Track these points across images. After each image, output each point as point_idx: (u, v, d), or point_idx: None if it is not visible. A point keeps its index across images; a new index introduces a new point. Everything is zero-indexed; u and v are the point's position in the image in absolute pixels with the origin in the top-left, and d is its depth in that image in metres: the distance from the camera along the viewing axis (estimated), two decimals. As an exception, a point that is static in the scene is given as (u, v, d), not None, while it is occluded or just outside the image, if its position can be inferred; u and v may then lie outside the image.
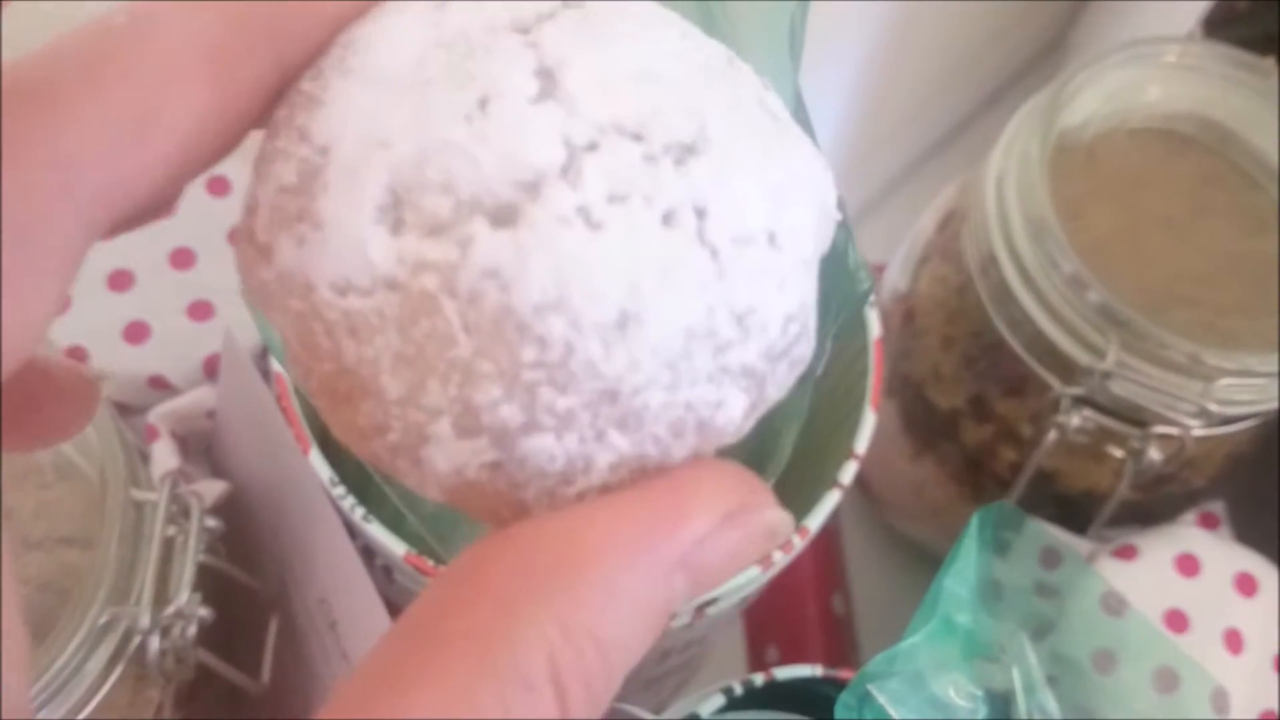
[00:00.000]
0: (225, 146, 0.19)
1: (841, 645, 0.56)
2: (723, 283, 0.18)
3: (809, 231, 0.19)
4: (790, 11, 0.35)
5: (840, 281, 0.41)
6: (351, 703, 0.17)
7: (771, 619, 0.56)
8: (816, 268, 0.20)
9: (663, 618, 0.18)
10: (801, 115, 0.38)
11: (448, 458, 0.18)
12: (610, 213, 0.18)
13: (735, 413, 0.19)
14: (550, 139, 0.18)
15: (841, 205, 0.22)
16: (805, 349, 0.20)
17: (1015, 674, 0.34)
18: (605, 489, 0.19)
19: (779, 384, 0.20)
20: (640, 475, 0.19)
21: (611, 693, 0.18)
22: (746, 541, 0.19)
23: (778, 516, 0.19)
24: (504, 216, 0.18)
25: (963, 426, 0.49)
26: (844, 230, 0.41)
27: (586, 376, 0.18)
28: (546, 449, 0.18)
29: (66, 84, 0.17)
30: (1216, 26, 0.54)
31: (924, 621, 0.32)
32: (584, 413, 0.18)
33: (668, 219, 0.18)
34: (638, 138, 0.18)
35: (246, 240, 0.19)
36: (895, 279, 0.53)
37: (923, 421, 0.51)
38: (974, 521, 0.33)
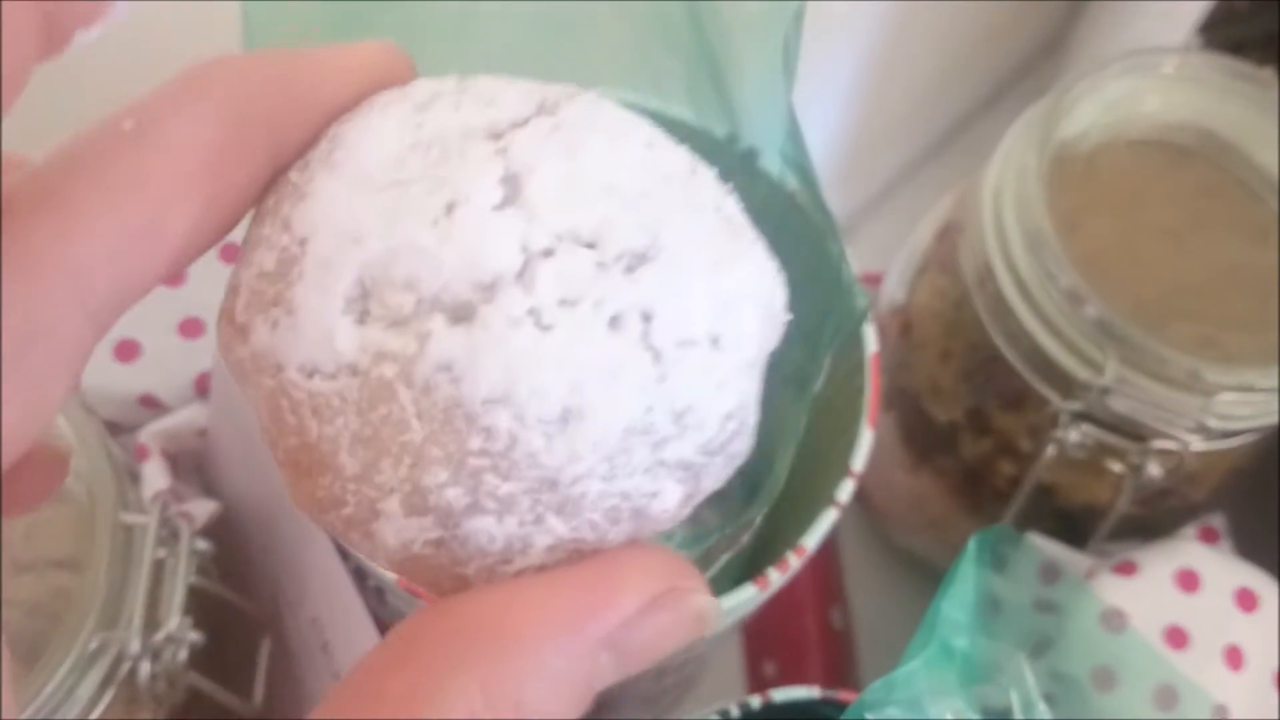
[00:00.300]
0: (224, 231, 0.20)
1: (840, 660, 0.56)
2: (663, 384, 0.20)
3: (753, 334, 0.21)
4: (784, 28, 0.34)
5: (835, 299, 0.41)
6: None
7: (769, 633, 0.56)
8: (762, 367, 0.21)
9: (587, 693, 0.19)
10: (794, 132, 0.38)
11: (396, 533, 0.20)
12: (560, 316, 0.19)
13: (670, 503, 0.20)
14: (508, 245, 0.19)
15: (789, 306, 0.23)
16: (742, 444, 0.21)
17: (1013, 696, 0.34)
18: (542, 569, 0.20)
19: (715, 476, 0.21)
20: (576, 557, 0.20)
21: None
22: (673, 625, 0.20)
23: (706, 603, 0.20)
24: (461, 315, 0.19)
25: (961, 440, 0.49)
26: (837, 246, 0.41)
27: (528, 466, 0.19)
28: (487, 530, 0.20)
29: (78, 194, 0.18)
30: (1216, 26, 0.53)
31: (921, 646, 0.31)
32: (524, 498, 0.19)
33: (614, 323, 0.19)
34: (591, 245, 0.19)
35: (227, 320, 0.21)
36: (893, 290, 0.52)
37: (921, 434, 0.51)
38: (971, 544, 0.33)
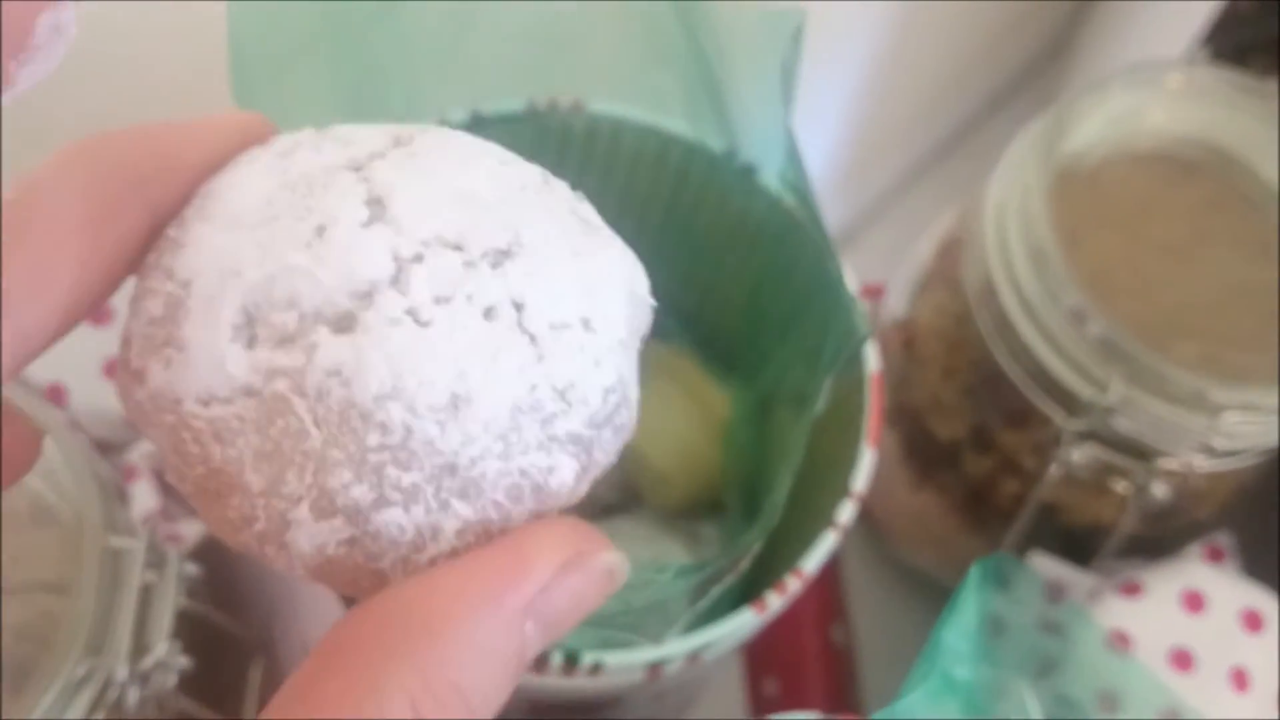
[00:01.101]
0: (110, 288, 0.22)
1: (842, 678, 0.55)
2: (543, 364, 0.21)
3: (621, 316, 0.22)
4: (781, 47, 0.34)
5: (835, 319, 0.40)
6: None
7: (770, 651, 0.55)
8: (635, 346, 0.23)
9: (519, 663, 0.20)
10: (793, 154, 0.37)
11: (309, 538, 0.21)
12: (436, 312, 0.20)
13: (567, 476, 0.22)
14: (380, 255, 0.21)
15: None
16: (626, 417, 0.22)
17: (1016, 725, 0.33)
18: (454, 553, 0.21)
19: (605, 449, 0.22)
20: (485, 539, 0.21)
21: None
22: (587, 584, 0.21)
23: (613, 559, 0.22)
24: (343, 324, 0.20)
25: (964, 457, 0.49)
26: (835, 265, 0.40)
27: (426, 454, 0.20)
28: (396, 521, 0.20)
29: None
30: (1221, 31, 0.53)
31: (923, 676, 0.31)
32: (428, 486, 0.20)
33: (489, 313, 0.21)
34: (458, 248, 0.21)
35: (123, 368, 0.22)
36: (895, 304, 0.52)
37: (923, 451, 0.50)
38: (973, 572, 0.32)
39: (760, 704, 0.55)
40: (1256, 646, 0.44)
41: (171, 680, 0.37)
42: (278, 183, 0.22)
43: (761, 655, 0.56)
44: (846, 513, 0.41)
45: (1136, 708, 0.40)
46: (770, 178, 0.42)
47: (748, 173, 0.43)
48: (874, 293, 0.55)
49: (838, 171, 0.66)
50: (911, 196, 0.72)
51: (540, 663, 0.37)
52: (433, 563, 0.21)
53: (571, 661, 0.37)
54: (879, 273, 0.55)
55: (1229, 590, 0.45)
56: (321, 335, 0.20)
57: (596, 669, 0.37)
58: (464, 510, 0.21)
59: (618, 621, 0.33)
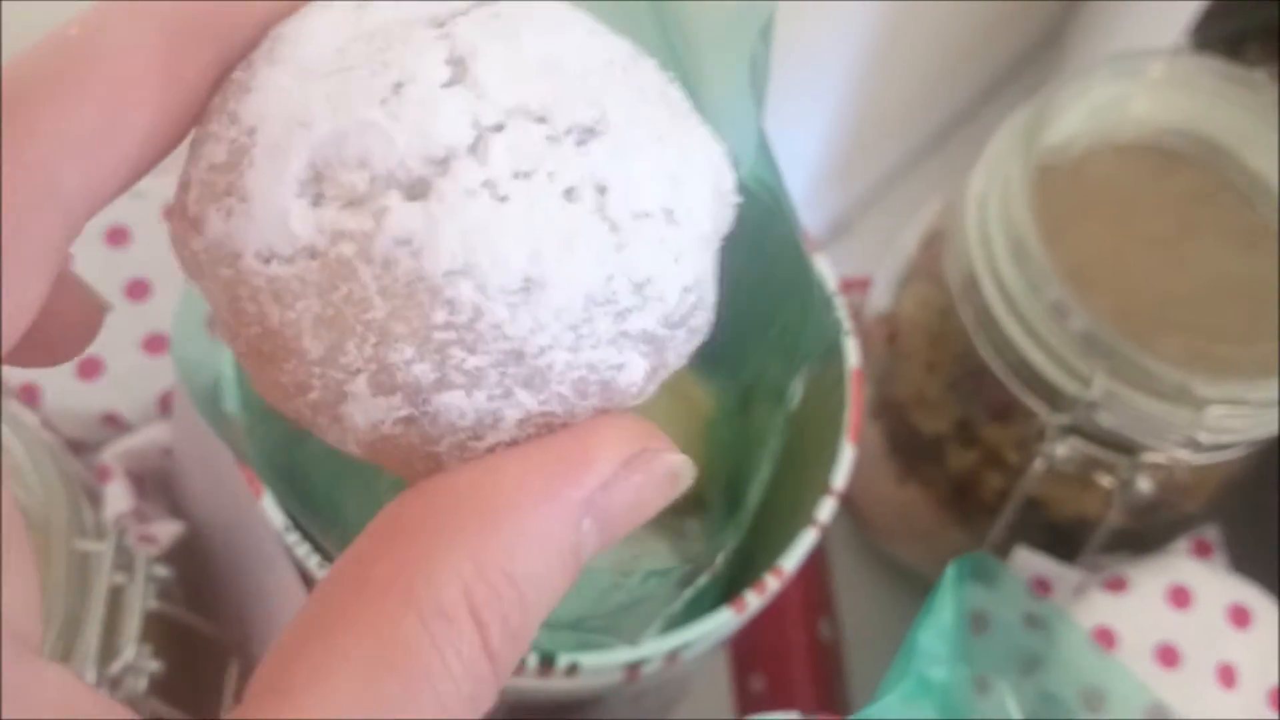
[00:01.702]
0: (179, 136, 0.21)
1: (829, 673, 0.55)
2: (621, 254, 0.20)
3: (705, 210, 0.21)
4: (750, 48, 0.33)
5: (812, 312, 0.40)
6: (288, 648, 0.18)
7: (756, 647, 0.55)
8: (715, 244, 0.22)
9: (574, 560, 0.19)
10: (764, 151, 0.36)
11: (365, 413, 0.20)
12: (515, 187, 0.19)
13: (637, 375, 0.20)
14: (459, 120, 0.19)
15: (740, 188, 0.23)
16: (703, 319, 0.21)
17: (995, 726, 0.33)
18: (514, 443, 0.20)
19: (678, 351, 0.21)
20: (547, 432, 0.20)
21: (530, 629, 0.19)
22: (649, 485, 0.20)
23: (678, 460, 0.21)
24: (416, 190, 0.19)
25: (948, 452, 0.48)
26: (806, 259, 0.40)
27: (493, 337, 0.19)
28: (457, 405, 0.19)
29: (38, 95, 0.19)
30: (1215, 19, 0.52)
31: (898, 679, 0.30)
32: (492, 371, 0.19)
33: (569, 194, 0.19)
34: (542, 120, 0.20)
35: (179, 215, 0.21)
36: (879, 298, 0.51)
37: (907, 445, 0.50)
38: (949, 572, 0.32)
39: (747, 700, 0.54)
40: (1244, 642, 0.44)
41: (142, 684, 0.36)
42: (352, 32, 0.20)
43: (748, 651, 0.55)
44: (827, 510, 0.40)
45: (1120, 706, 0.40)
46: (746, 172, 0.41)
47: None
48: (858, 287, 0.55)
49: (831, 163, 0.66)
50: (904, 188, 0.71)
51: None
52: (491, 451, 0.20)
53: (548, 662, 0.37)
54: (872, 265, 0.55)
55: (1216, 585, 0.44)
56: (393, 200, 0.19)
57: (573, 670, 0.37)
58: (527, 400, 0.20)
59: (587, 625, 0.32)
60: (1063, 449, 0.43)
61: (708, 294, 0.22)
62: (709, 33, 0.35)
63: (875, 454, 0.51)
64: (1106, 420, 0.41)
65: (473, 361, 0.19)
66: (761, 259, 0.42)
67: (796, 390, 0.36)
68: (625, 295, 0.20)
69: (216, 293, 0.21)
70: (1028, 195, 0.42)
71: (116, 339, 0.43)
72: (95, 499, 0.40)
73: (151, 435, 0.42)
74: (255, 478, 0.36)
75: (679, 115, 0.22)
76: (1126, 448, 0.42)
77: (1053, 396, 0.43)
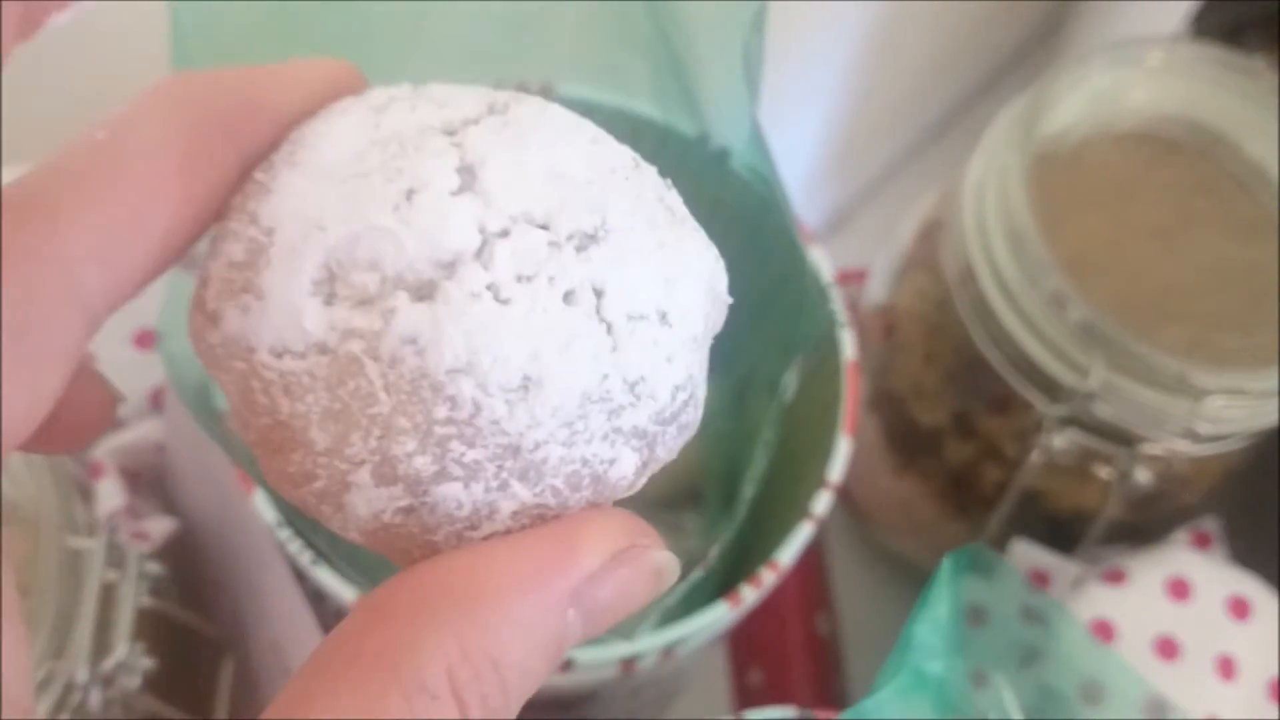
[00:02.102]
0: (199, 232, 0.22)
1: (827, 667, 0.55)
2: (616, 354, 0.21)
3: (698, 311, 0.22)
4: (743, 39, 0.33)
5: (806, 303, 0.39)
6: (281, 709, 0.19)
7: (754, 642, 0.54)
8: (707, 344, 0.23)
9: (558, 649, 0.20)
10: (757, 139, 0.36)
11: (367, 503, 0.21)
12: (517, 290, 0.20)
13: (628, 469, 0.21)
14: (466, 226, 0.20)
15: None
16: (692, 415, 0.22)
17: (991, 717, 0.33)
18: (508, 533, 0.21)
19: (668, 446, 0.22)
20: (539, 523, 0.21)
21: (510, 712, 0.19)
22: (635, 579, 0.21)
23: (664, 558, 0.21)
24: (424, 292, 0.20)
25: (946, 444, 0.48)
26: (796, 249, 0.39)
27: (492, 432, 0.20)
28: (455, 496, 0.20)
29: (64, 196, 0.20)
30: (1214, 8, 0.52)
31: (893, 673, 0.30)
32: (489, 464, 0.20)
33: (568, 297, 0.20)
34: (545, 226, 0.21)
35: (198, 308, 0.22)
36: (875, 289, 0.51)
37: (905, 438, 0.50)
38: (945, 565, 0.31)
39: (745, 695, 0.54)
40: (1243, 634, 0.44)
41: (135, 681, 0.36)
42: (369, 138, 0.21)
43: (746, 646, 0.55)
44: (822, 504, 0.40)
45: (1119, 699, 0.40)
46: (742, 162, 0.41)
47: (721, 157, 0.42)
48: (855, 279, 0.54)
49: (830, 156, 0.66)
50: (904, 181, 0.71)
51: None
52: (485, 540, 0.21)
53: (542, 658, 0.36)
54: (871, 257, 0.54)
55: (1215, 577, 0.44)
56: (401, 301, 0.20)
57: (568, 665, 0.37)
58: (522, 492, 0.21)
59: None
60: (1060, 440, 0.42)
61: (698, 391, 0.22)
62: (702, 24, 0.35)
63: (873, 446, 0.51)
64: (1104, 411, 0.41)
65: (471, 455, 0.20)
66: (757, 250, 0.42)
67: (790, 382, 0.36)
68: (619, 394, 0.21)
69: (231, 384, 0.21)
70: (1025, 185, 0.42)
71: (107, 334, 0.42)
72: (88, 496, 0.39)
73: (144, 431, 0.42)
74: (247, 474, 0.36)
75: (677, 220, 0.22)
76: (1125, 439, 0.42)
77: (1050, 388, 0.42)
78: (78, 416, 0.22)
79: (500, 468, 0.20)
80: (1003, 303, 0.42)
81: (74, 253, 0.19)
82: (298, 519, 0.36)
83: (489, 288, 0.20)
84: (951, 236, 0.45)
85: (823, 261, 0.43)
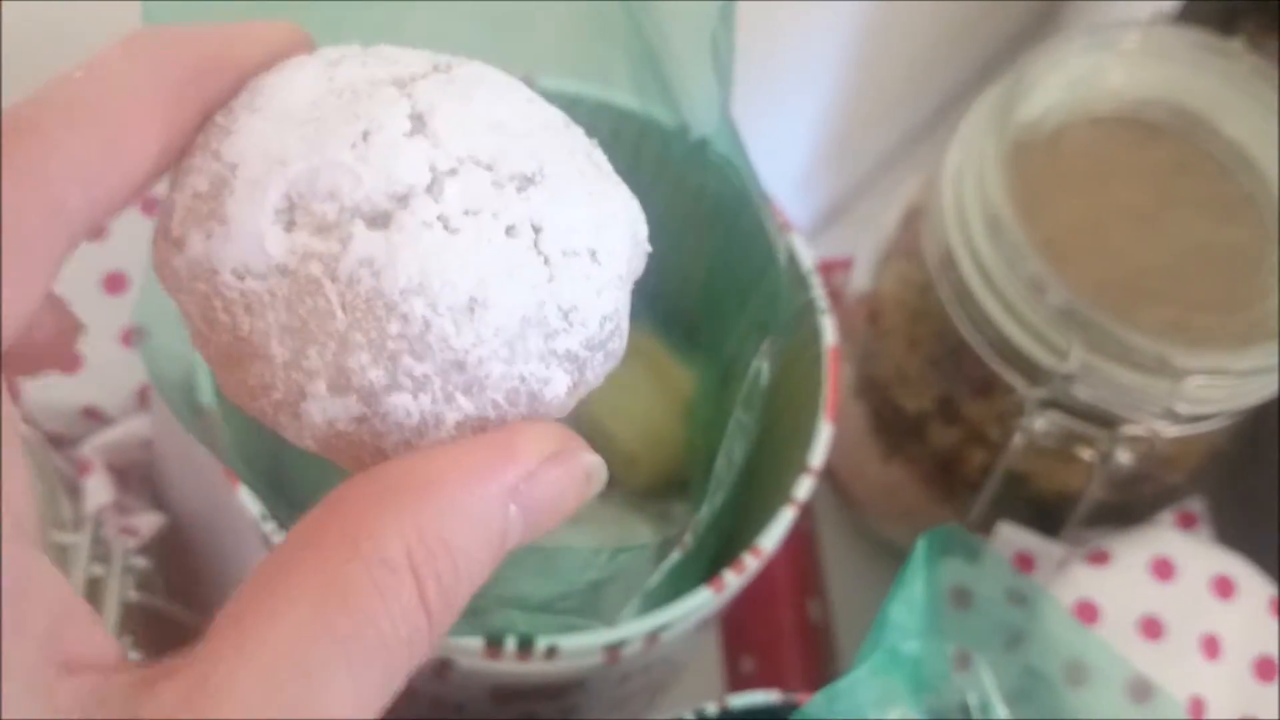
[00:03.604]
0: (165, 167, 0.24)
1: (819, 653, 0.55)
2: (552, 284, 0.23)
3: (623, 254, 0.24)
4: (711, 30, 0.33)
5: (782, 291, 0.40)
6: (246, 593, 0.20)
7: (746, 629, 0.55)
8: (630, 285, 0.25)
9: (500, 543, 0.22)
10: (728, 129, 0.36)
11: (322, 412, 0.23)
12: (465, 222, 0.22)
13: (560, 389, 0.24)
14: (418, 164, 0.22)
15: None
16: (618, 345, 0.25)
17: (970, 699, 0.33)
18: (452, 443, 0.23)
19: (596, 370, 0.24)
20: (481, 433, 0.23)
21: (460, 597, 0.21)
22: (568, 480, 0.23)
23: (593, 460, 0.24)
24: (379, 220, 0.22)
25: (930, 429, 0.48)
26: (766, 235, 0.39)
27: (440, 348, 0.22)
28: (405, 406, 0.22)
29: (53, 123, 0.22)
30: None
31: (869, 652, 0.30)
32: (436, 378, 0.22)
33: (510, 231, 0.23)
34: (489, 168, 0.23)
35: (162, 235, 0.24)
36: (860, 278, 0.51)
37: (891, 423, 0.50)
38: (919, 546, 0.32)
39: (738, 682, 0.55)
40: (1228, 613, 0.44)
41: (122, 674, 0.36)
42: (325, 88, 0.23)
43: (738, 633, 0.55)
44: (804, 489, 0.40)
45: (1102, 679, 0.40)
46: (716, 152, 0.41)
47: (701, 147, 0.42)
48: (841, 267, 0.55)
49: (826, 147, 0.66)
50: (899, 172, 0.71)
51: (495, 647, 0.37)
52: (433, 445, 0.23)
53: (526, 645, 0.37)
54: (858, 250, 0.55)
55: (1199, 557, 0.44)
56: (358, 228, 0.22)
57: (552, 652, 0.37)
58: (466, 404, 0.23)
59: (560, 606, 0.33)
60: (1041, 423, 0.43)
61: (623, 324, 0.25)
62: (675, 19, 0.35)
63: (860, 433, 0.51)
64: (1084, 393, 0.41)
65: (420, 369, 0.22)
66: (739, 239, 0.42)
67: (763, 366, 0.36)
68: (554, 319, 0.23)
69: (192, 304, 0.23)
70: (1002, 170, 0.42)
71: (95, 332, 0.43)
72: (75, 492, 0.40)
73: (131, 428, 0.42)
74: (232, 470, 0.36)
75: (603, 175, 0.25)
76: (1105, 420, 0.42)
77: (1031, 371, 0.43)
78: (44, 336, 0.25)
79: (446, 381, 0.22)
80: (982, 288, 0.42)
81: (60, 173, 0.21)
82: (281, 512, 0.36)
83: (439, 219, 0.22)
84: (932, 223, 0.45)
85: (803, 249, 0.43)
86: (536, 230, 0.23)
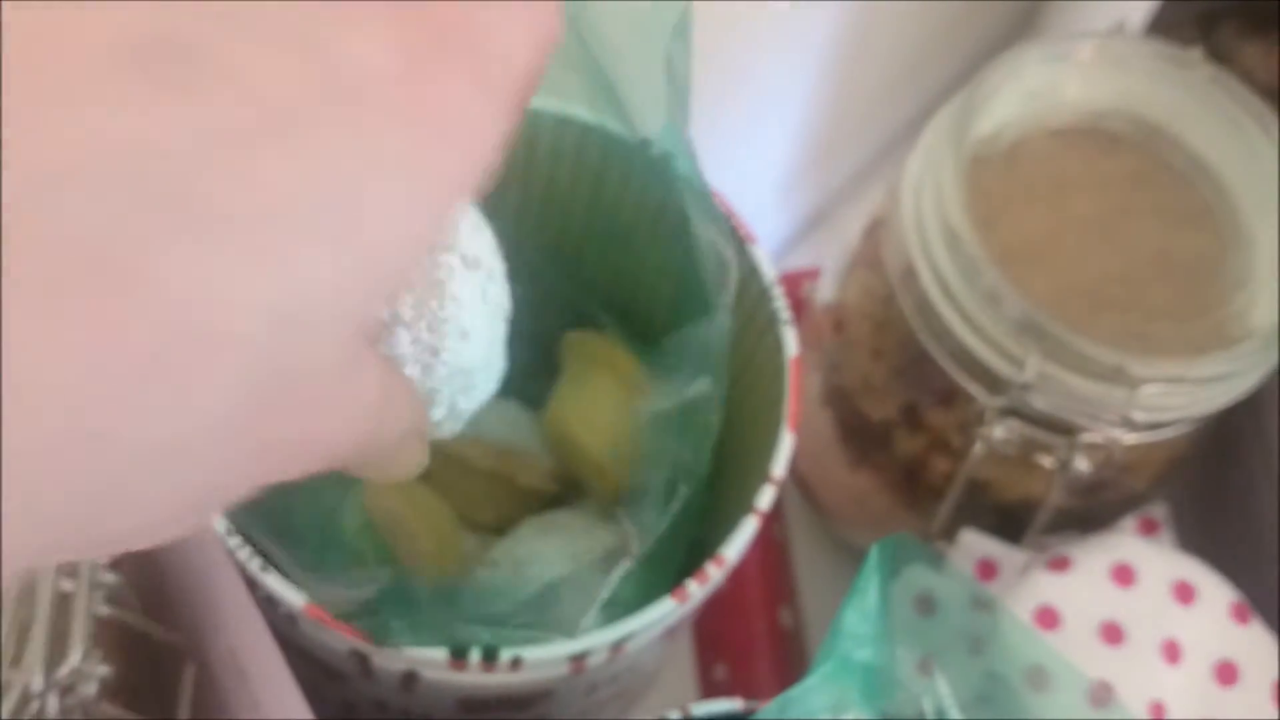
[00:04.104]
0: None
1: (791, 660, 0.55)
2: None
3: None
4: (664, 47, 0.34)
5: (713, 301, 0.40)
6: None
7: (719, 637, 0.55)
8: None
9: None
10: (682, 147, 0.37)
11: None
12: None
13: None
14: None
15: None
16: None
17: (925, 704, 0.33)
18: None
19: None
20: None
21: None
22: None
23: None
24: None
25: (896, 437, 0.49)
26: (695, 246, 0.40)
27: None
28: None
29: None
30: (1182, 2, 0.52)
31: (823, 661, 0.31)
32: None
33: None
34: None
35: None
36: (826, 288, 0.52)
37: (857, 432, 0.50)
38: (872, 554, 0.32)
39: (710, 690, 0.55)
40: (1189, 618, 0.44)
41: (92, 689, 0.37)
42: None
43: (710, 642, 0.56)
44: (766, 498, 0.41)
45: (1064, 684, 0.40)
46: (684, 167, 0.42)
47: (664, 160, 0.43)
48: (809, 278, 0.55)
49: (805, 157, 0.66)
50: (881, 180, 0.71)
51: (460, 659, 0.37)
52: None
53: (490, 656, 0.37)
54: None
55: (1159, 562, 0.45)
56: None
57: (517, 663, 0.37)
58: None
59: (516, 620, 0.33)
60: (1001, 431, 0.43)
61: None
62: (623, 33, 0.36)
63: (828, 441, 0.52)
64: (1040, 402, 0.42)
65: None
66: (692, 254, 0.43)
67: (705, 383, 0.37)
68: None
69: None
70: (959, 184, 0.42)
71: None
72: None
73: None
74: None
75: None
76: (1064, 428, 0.43)
77: (990, 380, 0.43)
78: None
79: None
80: (942, 299, 0.43)
81: None
82: (246, 526, 0.36)
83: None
84: (893, 234, 0.45)
85: (765, 261, 0.44)
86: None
